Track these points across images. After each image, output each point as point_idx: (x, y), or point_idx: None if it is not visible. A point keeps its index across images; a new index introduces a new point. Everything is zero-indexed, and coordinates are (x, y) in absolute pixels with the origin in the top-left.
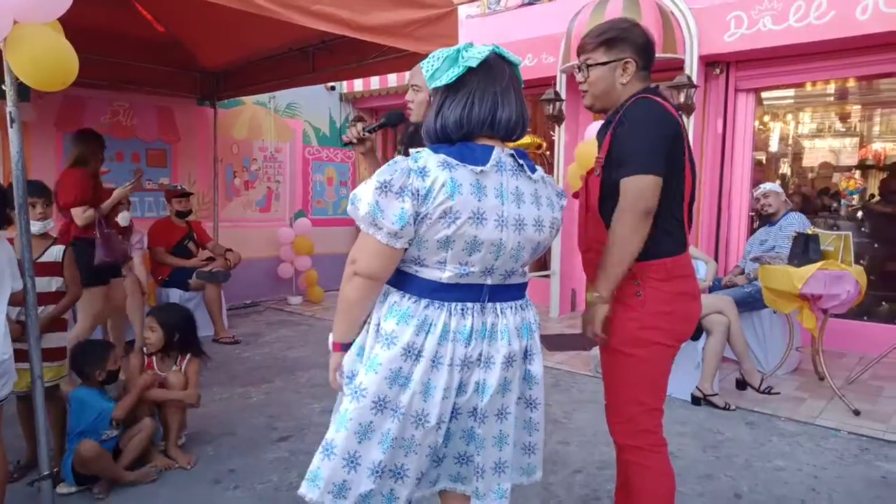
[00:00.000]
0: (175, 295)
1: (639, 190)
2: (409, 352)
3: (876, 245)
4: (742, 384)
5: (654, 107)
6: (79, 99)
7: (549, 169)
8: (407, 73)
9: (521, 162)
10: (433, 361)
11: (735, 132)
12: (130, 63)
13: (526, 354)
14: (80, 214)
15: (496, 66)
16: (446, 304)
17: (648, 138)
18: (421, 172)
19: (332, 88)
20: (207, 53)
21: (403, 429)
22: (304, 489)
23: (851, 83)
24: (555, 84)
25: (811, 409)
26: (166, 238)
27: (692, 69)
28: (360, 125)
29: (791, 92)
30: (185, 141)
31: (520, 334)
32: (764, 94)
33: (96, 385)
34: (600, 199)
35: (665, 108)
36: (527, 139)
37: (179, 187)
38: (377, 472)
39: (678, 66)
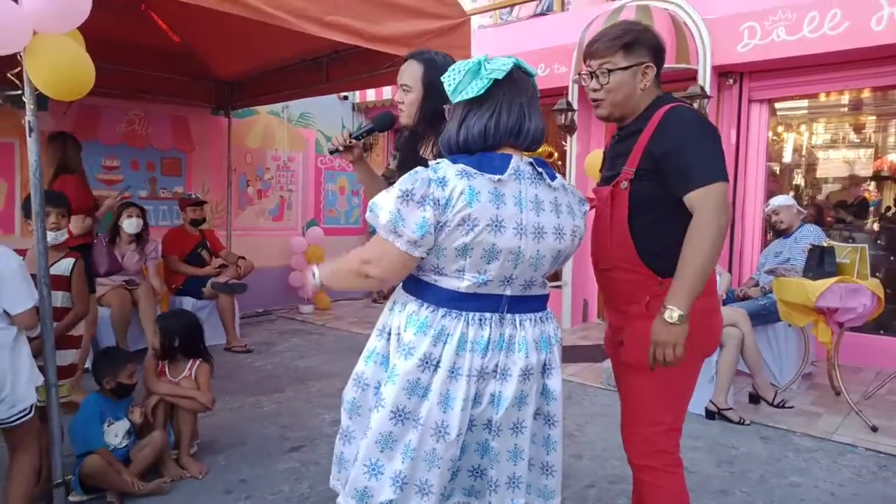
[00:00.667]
0: (188, 303)
1: (718, 201)
2: (427, 362)
3: (893, 258)
4: (755, 398)
5: (698, 115)
6: (94, 108)
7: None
8: None
9: (539, 170)
10: (451, 372)
11: (749, 143)
12: (146, 72)
13: (544, 368)
14: (79, 223)
15: (520, 79)
16: (464, 313)
17: (709, 146)
18: (441, 182)
19: (345, 98)
20: (222, 63)
21: (423, 440)
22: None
23: (866, 94)
24: (567, 94)
25: (827, 425)
26: (180, 246)
27: (705, 80)
28: (345, 131)
29: (805, 102)
30: (199, 150)
31: (538, 347)
32: (777, 105)
33: (108, 394)
34: (630, 214)
35: (706, 119)
36: (540, 148)
37: (194, 196)
38: (398, 481)
39: (691, 76)
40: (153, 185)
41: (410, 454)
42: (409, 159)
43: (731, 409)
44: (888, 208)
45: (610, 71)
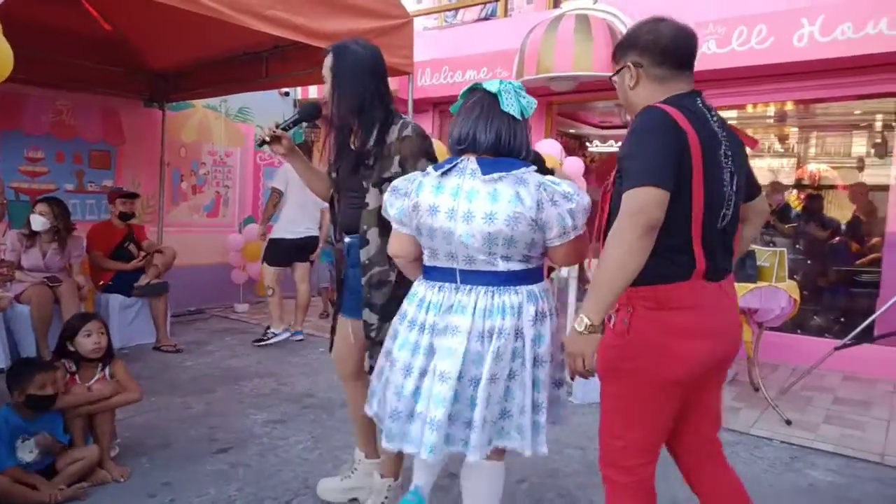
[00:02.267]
0: (116, 301)
1: (633, 206)
2: (404, 318)
3: (809, 261)
4: None
5: (656, 115)
6: (17, 96)
7: None
8: None
9: (473, 167)
10: (411, 323)
11: None
12: (75, 61)
13: (517, 333)
14: None
15: (476, 97)
16: (429, 282)
17: (647, 149)
18: (412, 180)
19: (286, 94)
20: (156, 54)
21: (393, 374)
22: None
23: (790, 106)
24: None
25: (747, 419)
26: (105, 241)
27: None
28: (272, 123)
29: (734, 113)
30: (130, 143)
31: (489, 314)
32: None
33: (20, 408)
34: (608, 218)
35: (671, 116)
36: None
37: (125, 188)
38: (376, 396)
39: None
40: (80, 179)
41: (384, 382)
42: (341, 150)
43: None
44: (807, 214)
45: (611, 79)
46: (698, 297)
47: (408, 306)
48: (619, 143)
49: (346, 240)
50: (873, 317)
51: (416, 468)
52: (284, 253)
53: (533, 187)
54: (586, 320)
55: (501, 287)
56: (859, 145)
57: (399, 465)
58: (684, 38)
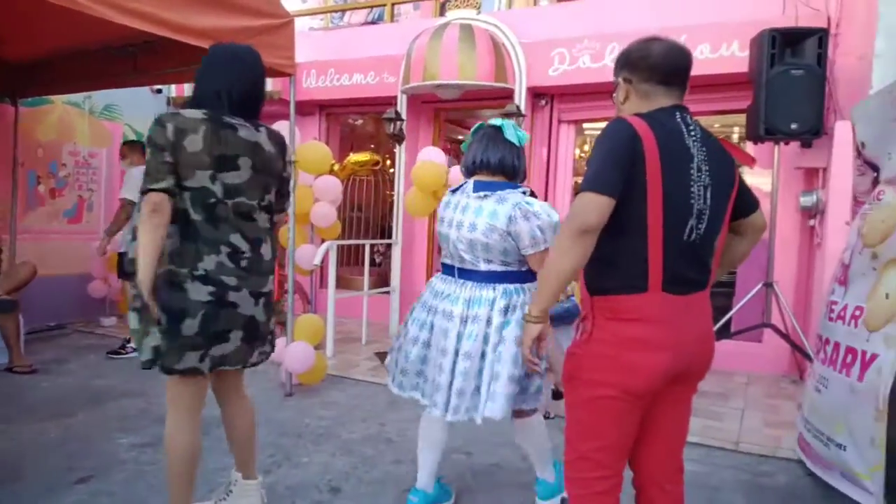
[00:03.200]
0: None
1: (576, 207)
2: (420, 301)
3: None
4: (557, 394)
5: (613, 125)
6: None
7: (390, 186)
8: None
9: (469, 187)
10: (422, 304)
11: (559, 160)
12: None
13: (487, 320)
14: None
15: (484, 130)
16: (441, 275)
17: (598, 156)
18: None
19: (159, 91)
20: (8, 43)
21: (405, 341)
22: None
23: None
24: (396, 104)
25: None
26: None
27: (521, 99)
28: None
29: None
30: None
31: (469, 304)
32: (585, 126)
33: None
34: None
35: (627, 125)
36: (365, 156)
37: None
38: (394, 360)
39: (509, 95)
40: None
41: (397, 348)
42: None
43: None
44: None
45: (612, 95)
46: (657, 310)
47: (426, 292)
48: None
49: None
50: (730, 314)
51: (421, 464)
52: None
53: (510, 205)
54: (527, 311)
55: (482, 283)
56: None
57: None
58: (674, 55)
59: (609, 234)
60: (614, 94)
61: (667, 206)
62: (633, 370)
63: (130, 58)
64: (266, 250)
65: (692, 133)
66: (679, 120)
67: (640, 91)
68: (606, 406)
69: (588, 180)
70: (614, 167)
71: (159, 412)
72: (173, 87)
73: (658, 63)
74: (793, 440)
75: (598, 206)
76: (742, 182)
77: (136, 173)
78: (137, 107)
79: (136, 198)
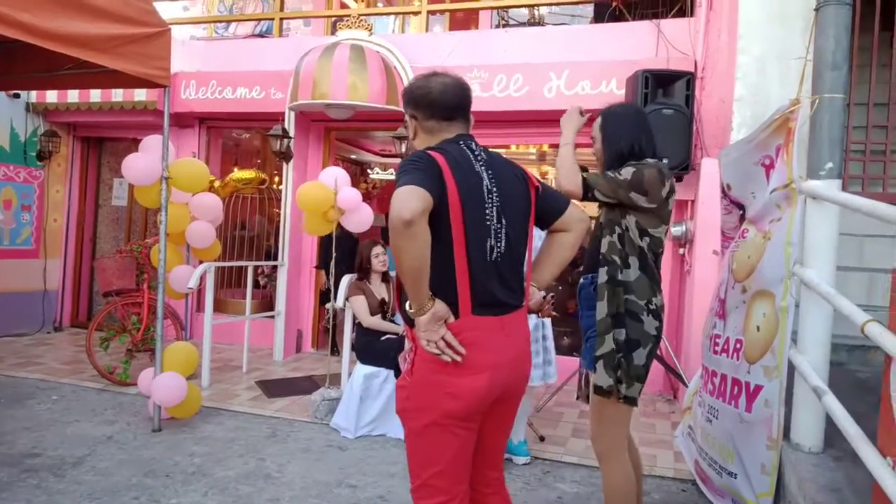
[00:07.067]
0: None
1: (395, 200)
2: None
3: (560, 287)
4: None
5: (417, 155)
6: None
7: (277, 204)
8: (116, 91)
9: None
10: None
11: None
12: None
13: None
14: None
15: None
16: None
17: (406, 165)
18: None
19: (17, 96)
20: None
21: None
22: None
23: (546, 148)
24: (283, 120)
25: None
26: None
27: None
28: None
29: (502, 151)
30: None
31: None
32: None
33: None
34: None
35: (428, 155)
36: (249, 173)
37: None
38: None
39: (401, 117)
40: None
41: None
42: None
43: None
44: None
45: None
46: (470, 334)
47: None
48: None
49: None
50: None
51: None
52: None
53: None
54: (409, 308)
55: None
56: None
57: None
58: (452, 92)
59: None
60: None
61: (468, 231)
62: (454, 395)
63: None
64: None
65: (478, 158)
66: (465, 147)
67: (425, 127)
68: (435, 433)
69: (401, 182)
70: (429, 178)
71: (6, 453)
72: (34, 93)
73: (438, 100)
74: (668, 458)
75: (416, 195)
76: (543, 189)
77: None
78: None
79: None
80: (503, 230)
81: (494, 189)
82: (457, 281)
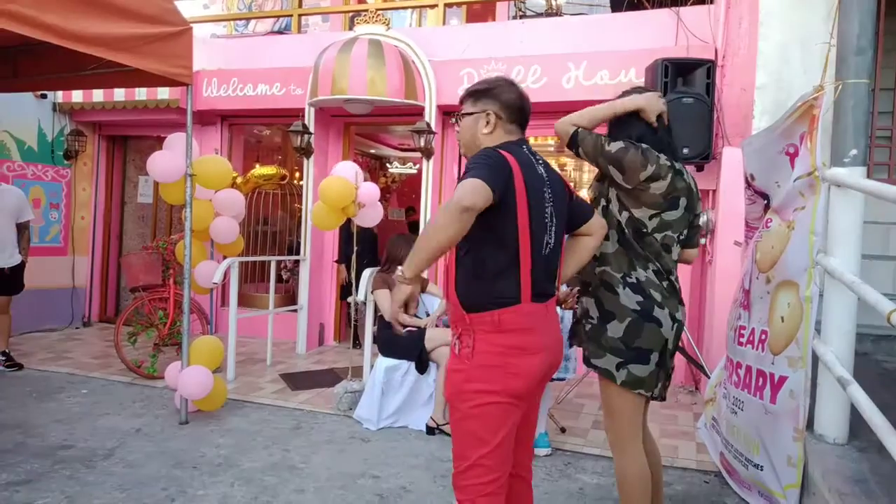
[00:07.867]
0: None
1: (464, 187)
2: None
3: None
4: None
5: (490, 152)
6: None
7: (298, 200)
8: (140, 90)
9: None
10: None
11: None
12: None
13: None
14: None
15: None
16: None
17: (480, 160)
18: None
19: (44, 97)
20: None
21: None
22: None
23: None
24: (303, 116)
25: None
26: None
27: (431, 116)
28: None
29: (532, 140)
30: None
31: None
32: None
33: None
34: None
35: (501, 155)
36: (271, 169)
37: None
38: None
39: (419, 111)
40: None
41: None
42: None
43: (448, 423)
44: None
45: (462, 115)
46: (530, 319)
47: None
48: (418, 166)
49: None
50: None
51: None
52: None
53: None
54: (399, 273)
55: None
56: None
57: None
58: (528, 104)
59: (483, 254)
60: (461, 117)
61: (532, 227)
62: (516, 375)
63: (8, 61)
64: None
65: (539, 161)
66: (526, 151)
67: (507, 128)
68: (494, 412)
69: (474, 174)
70: (495, 170)
71: (39, 445)
72: (60, 93)
73: (523, 108)
74: (690, 449)
75: (482, 191)
76: (574, 195)
77: None
78: (19, 113)
79: None
80: (554, 227)
81: (549, 189)
82: (520, 271)
